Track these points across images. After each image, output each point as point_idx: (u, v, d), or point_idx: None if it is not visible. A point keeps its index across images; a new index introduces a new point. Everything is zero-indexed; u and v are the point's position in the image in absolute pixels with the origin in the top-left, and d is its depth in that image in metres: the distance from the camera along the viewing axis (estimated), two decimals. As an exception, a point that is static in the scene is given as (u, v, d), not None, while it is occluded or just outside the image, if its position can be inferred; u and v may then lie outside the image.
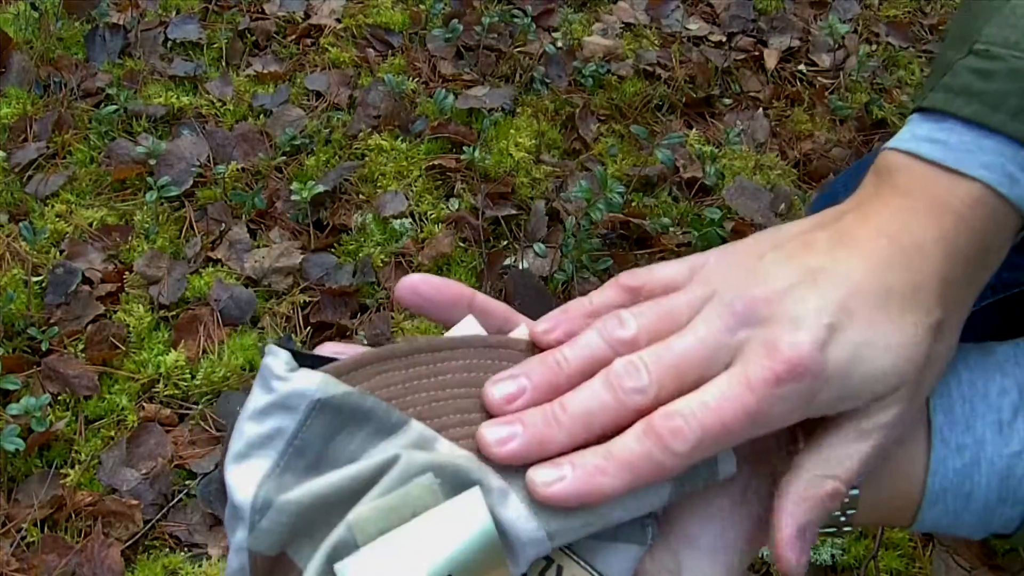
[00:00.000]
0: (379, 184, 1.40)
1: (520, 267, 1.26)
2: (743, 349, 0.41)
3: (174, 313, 1.22)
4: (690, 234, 1.30)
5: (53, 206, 1.35)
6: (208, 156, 1.42)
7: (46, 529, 1.02)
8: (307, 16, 1.70)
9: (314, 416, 0.40)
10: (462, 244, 1.32)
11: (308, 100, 1.54)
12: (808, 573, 1.01)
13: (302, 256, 1.29)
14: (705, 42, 1.70)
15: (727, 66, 1.63)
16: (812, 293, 0.41)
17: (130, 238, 1.31)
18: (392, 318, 1.24)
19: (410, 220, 1.35)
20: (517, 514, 0.40)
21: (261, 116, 1.51)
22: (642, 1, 1.78)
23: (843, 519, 0.47)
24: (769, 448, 0.47)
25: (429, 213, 1.36)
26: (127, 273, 1.26)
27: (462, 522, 0.40)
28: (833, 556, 1.00)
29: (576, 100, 1.54)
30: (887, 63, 1.68)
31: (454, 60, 1.62)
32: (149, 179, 1.35)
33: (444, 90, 1.50)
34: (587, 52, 1.65)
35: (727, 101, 1.58)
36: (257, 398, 0.40)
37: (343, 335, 1.21)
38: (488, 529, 0.40)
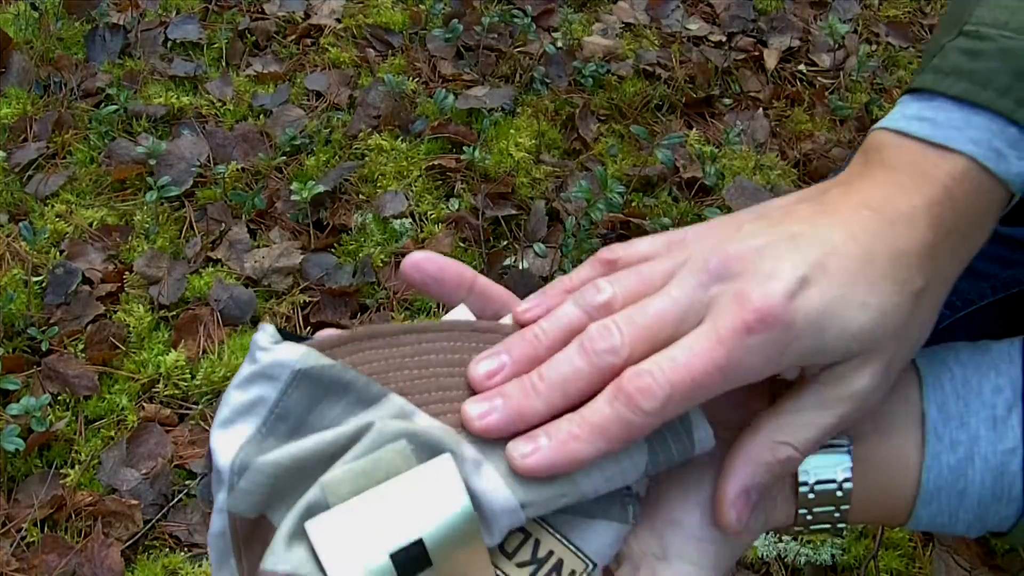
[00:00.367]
0: (379, 184, 1.40)
1: (520, 267, 1.26)
2: (714, 304, 0.41)
3: (174, 313, 1.23)
4: (690, 234, 1.30)
5: (53, 206, 1.35)
6: (208, 156, 1.42)
7: (46, 529, 1.02)
8: (307, 16, 1.70)
9: (295, 385, 0.41)
10: (462, 244, 1.32)
11: (308, 100, 1.54)
12: (808, 573, 1.01)
13: (302, 256, 1.29)
14: (705, 42, 1.70)
15: (727, 66, 1.63)
16: (788, 251, 0.41)
17: (130, 238, 1.31)
18: (392, 318, 1.24)
19: (410, 220, 1.35)
20: (490, 484, 0.40)
21: (261, 116, 1.51)
22: (642, 1, 1.78)
23: (837, 515, 0.47)
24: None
25: (429, 213, 1.36)
26: (127, 273, 1.26)
27: (433, 487, 0.40)
28: (833, 556, 1.00)
29: (576, 100, 1.54)
30: (887, 63, 1.68)
31: (454, 60, 1.62)
32: (149, 179, 1.35)
33: (444, 90, 1.50)
34: (587, 52, 1.65)
35: (727, 101, 1.58)
36: (243, 368, 0.41)
37: (343, 335, 1.21)
38: (459, 495, 0.40)
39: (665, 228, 1.32)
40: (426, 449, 0.40)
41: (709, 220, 0.46)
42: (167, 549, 1.03)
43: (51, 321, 1.20)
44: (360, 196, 1.38)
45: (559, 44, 1.65)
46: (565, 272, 1.22)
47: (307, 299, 1.26)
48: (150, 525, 1.04)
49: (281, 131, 1.45)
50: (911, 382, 0.48)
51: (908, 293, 0.42)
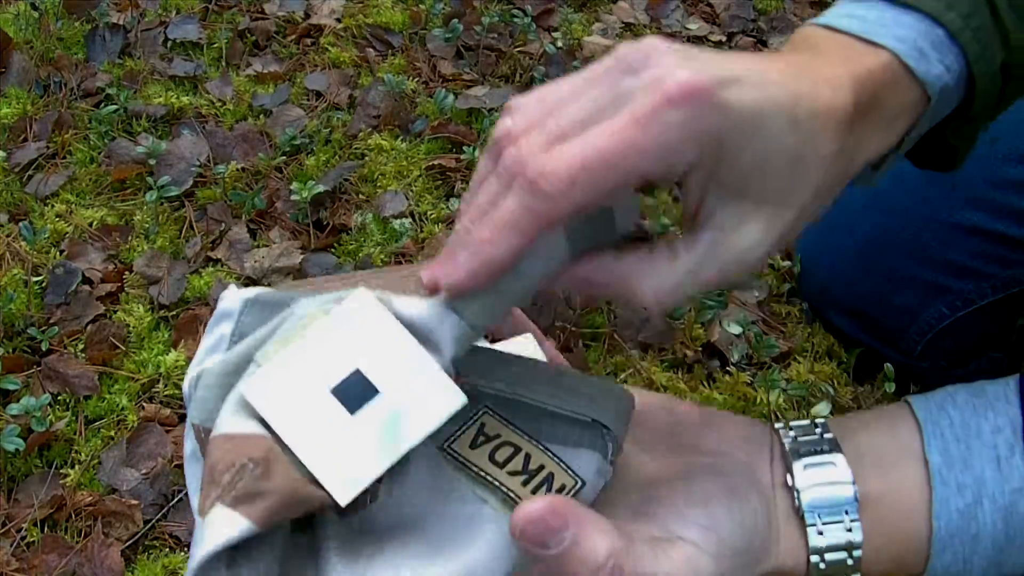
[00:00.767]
0: (379, 184, 1.40)
1: (520, 267, 1.26)
2: (632, 94, 0.38)
3: (174, 313, 1.22)
4: (690, 234, 1.30)
5: (53, 206, 1.35)
6: (208, 156, 1.42)
7: (46, 529, 1.02)
8: (307, 16, 1.70)
9: (246, 311, 0.42)
10: (462, 244, 1.32)
11: (308, 100, 1.54)
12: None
13: (302, 256, 1.29)
14: (705, 42, 1.70)
15: (727, 66, 1.63)
16: (717, 58, 0.39)
17: (130, 238, 1.31)
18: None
19: (410, 220, 1.35)
20: (412, 302, 0.40)
21: (261, 116, 1.51)
22: (642, 1, 1.78)
23: (851, 562, 0.46)
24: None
25: (429, 213, 1.36)
26: (127, 273, 1.26)
27: (356, 318, 0.40)
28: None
29: (576, 100, 1.54)
30: (887, 63, 1.68)
31: (454, 60, 1.62)
32: (149, 179, 1.35)
33: (444, 90, 1.50)
34: (587, 52, 1.65)
35: (727, 101, 1.58)
36: (209, 321, 0.43)
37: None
38: (384, 316, 0.40)
39: (665, 228, 1.32)
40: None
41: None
42: (167, 549, 1.03)
43: (51, 321, 1.20)
44: (360, 196, 1.38)
45: (559, 44, 1.65)
46: (565, 272, 1.22)
47: (307, 299, 1.25)
48: (150, 525, 1.04)
49: (281, 131, 1.45)
50: (911, 432, 0.48)
51: (826, 149, 0.40)
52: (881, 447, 0.48)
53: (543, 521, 0.37)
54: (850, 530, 0.46)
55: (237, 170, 1.40)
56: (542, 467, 0.43)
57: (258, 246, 1.31)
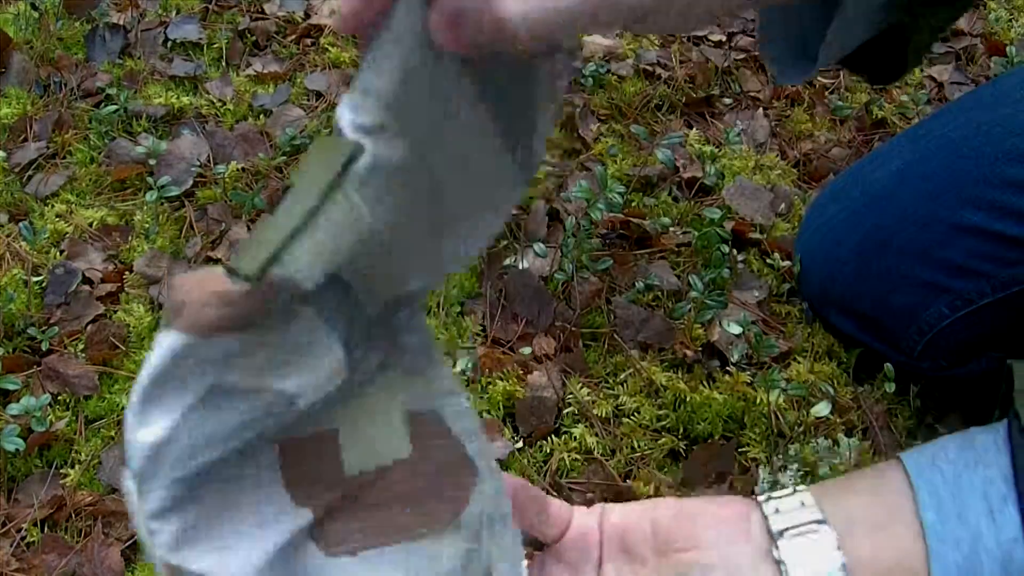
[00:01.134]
0: (379, 184, 1.40)
1: (520, 267, 1.26)
2: None
3: (174, 313, 1.22)
4: (690, 234, 1.30)
5: (53, 206, 1.35)
6: (208, 156, 1.42)
7: (46, 529, 1.02)
8: (307, 16, 1.70)
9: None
10: (462, 244, 1.32)
11: (308, 100, 1.54)
12: None
13: (302, 256, 1.29)
14: (705, 42, 1.70)
15: (727, 66, 1.63)
16: None
17: (130, 238, 1.31)
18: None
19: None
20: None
21: (261, 116, 1.51)
22: (642, 1, 1.78)
23: None
24: None
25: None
26: (127, 273, 1.26)
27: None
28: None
29: (576, 100, 1.54)
30: (887, 63, 1.68)
31: (454, 60, 1.62)
32: (149, 179, 1.35)
33: (444, 90, 1.50)
34: (587, 52, 1.65)
35: (727, 101, 1.58)
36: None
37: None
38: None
39: (665, 228, 1.32)
40: None
41: None
42: (167, 549, 1.03)
43: (51, 321, 1.20)
44: (360, 196, 1.38)
45: (559, 44, 1.65)
46: (565, 272, 1.22)
47: (307, 299, 1.26)
48: None
49: (281, 131, 1.45)
50: (903, 493, 0.48)
51: None
52: (871, 509, 0.49)
53: None
54: None
55: (237, 170, 1.40)
56: None
57: (258, 246, 1.31)
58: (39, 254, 1.27)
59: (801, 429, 1.05)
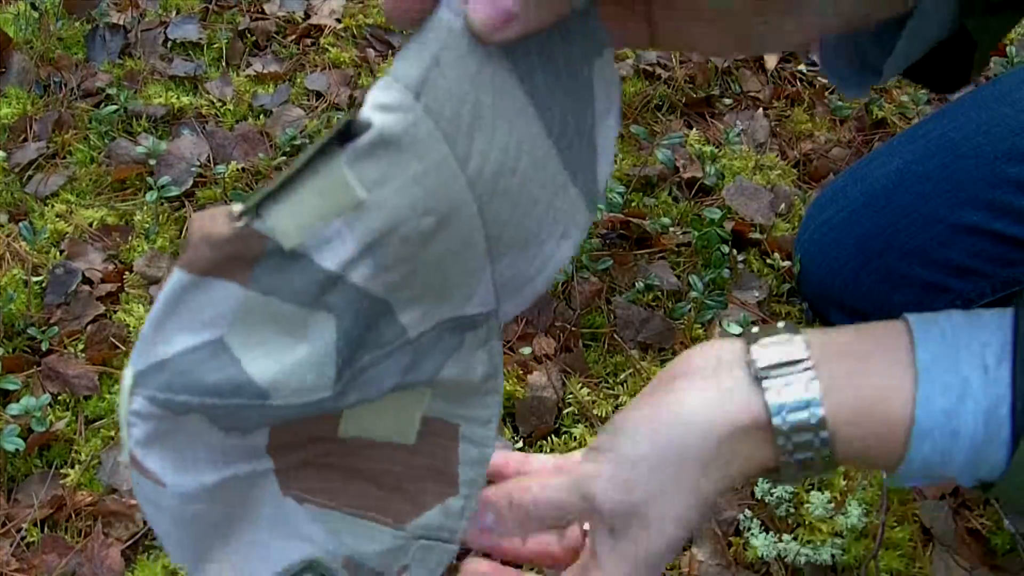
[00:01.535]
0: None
1: (520, 267, 1.26)
2: None
3: (174, 313, 1.22)
4: (690, 234, 1.30)
5: (53, 206, 1.35)
6: (208, 156, 1.42)
7: (46, 529, 1.02)
8: (307, 16, 1.70)
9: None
10: (462, 244, 1.32)
11: (308, 100, 1.54)
12: (808, 572, 1.01)
13: (302, 256, 1.29)
14: (705, 42, 1.70)
15: (727, 66, 1.63)
16: None
17: (130, 238, 1.31)
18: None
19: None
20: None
21: (261, 116, 1.51)
22: (642, 1, 1.78)
23: (819, 444, 0.47)
24: None
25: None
26: (127, 273, 1.26)
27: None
28: (833, 556, 1.00)
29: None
30: (887, 63, 1.68)
31: (454, 60, 1.62)
32: (149, 179, 1.35)
33: (444, 90, 1.50)
34: (587, 52, 1.65)
35: (727, 101, 1.58)
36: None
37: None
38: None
39: (665, 228, 1.32)
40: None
41: None
42: (167, 549, 1.03)
43: (51, 321, 1.20)
44: (360, 196, 1.38)
45: (559, 44, 1.65)
46: (565, 272, 1.22)
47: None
48: (150, 525, 1.04)
49: (281, 131, 1.45)
50: (900, 332, 0.48)
51: None
52: (870, 339, 0.49)
53: None
54: (809, 391, 0.46)
55: (237, 170, 1.40)
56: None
57: (258, 246, 1.31)
58: (39, 254, 1.27)
59: (801, 429, 1.04)
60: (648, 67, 1.61)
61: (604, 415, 1.08)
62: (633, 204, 1.37)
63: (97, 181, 1.39)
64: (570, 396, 1.10)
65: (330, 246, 0.41)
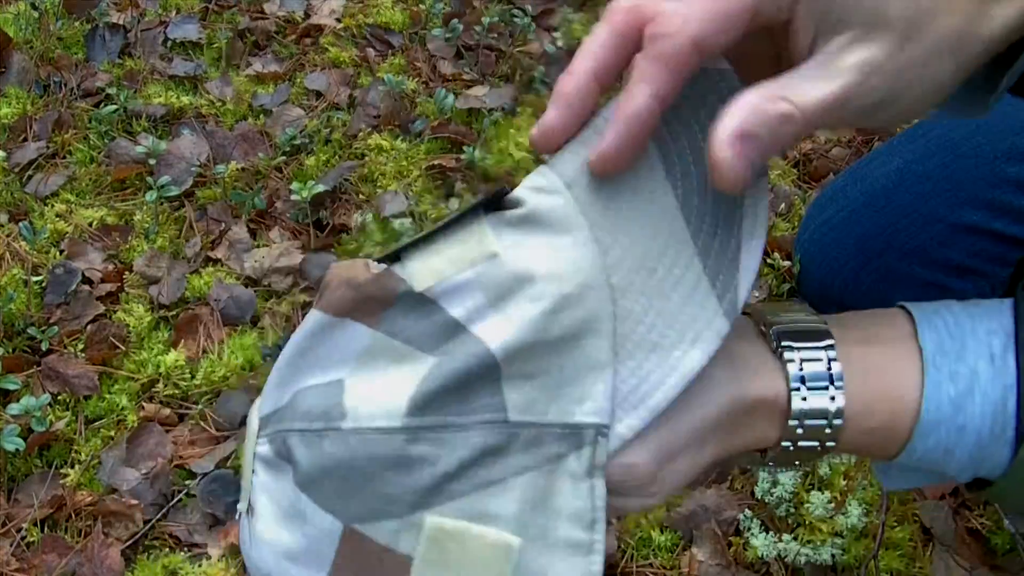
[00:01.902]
0: (379, 184, 1.40)
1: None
2: None
3: (174, 313, 1.23)
4: (690, 234, 1.30)
5: (53, 206, 1.35)
6: (208, 156, 1.42)
7: (46, 529, 1.02)
8: (307, 16, 1.70)
9: None
10: (462, 244, 1.32)
11: (308, 100, 1.54)
12: (808, 573, 1.01)
13: (302, 256, 1.29)
14: (705, 42, 1.70)
15: (727, 66, 1.63)
16: None
17: (130, 238, 1.31)
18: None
19: (410, 220, 1.35)
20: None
21: (261, 116, 1.51)
22: (642, 1, 1.78)
23: (828, 430, 0.45)
24: None
25: (429, 213, 1.36)
26: (127, 273, 1.26)
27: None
28: (833, 556, 1.00)
29: (576, 100, 1.54)
30: (887, 63, 1.68)
31: (454, 60, 1.62)
32: (149, 179, 1.35)
33: (444, 90, 1.50)
34: (587, 52, 1.65)
35: (727, 101, 1.58)
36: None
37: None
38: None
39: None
40: None
41: None
42: (167, 549, 1.03)
43: (51, 321, 1.20)
44: (360, 196, 1.38)
45: (559, 44, 1.65)
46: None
47: (307, 299, 1.26)
48: (150, 525, 1.04)
49: (281, 131, 1.45)
50: (904, 321, 0.47)
51: None
52: (872, 327, 0.48)
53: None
54: (832, 381, 0.45)
55: (237, 170, 1.40)
56: None
57: (258, 246, 1.31)
58: (39, 254, 1.27)
59: (801, 429, 1.04)
60: (648, 67, 1.61)
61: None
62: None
63: (97, 181, 1.39)
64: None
65: (459, 294, 0.40)
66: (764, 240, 0.42)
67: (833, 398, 0.45)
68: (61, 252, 1.28)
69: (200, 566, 1.01)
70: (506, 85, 1.56)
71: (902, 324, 0.47)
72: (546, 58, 1.61)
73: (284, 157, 1.43)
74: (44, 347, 1.16)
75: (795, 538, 1.02)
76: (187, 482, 1.08)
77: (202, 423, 1.13)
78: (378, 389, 0.41)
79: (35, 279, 1.24)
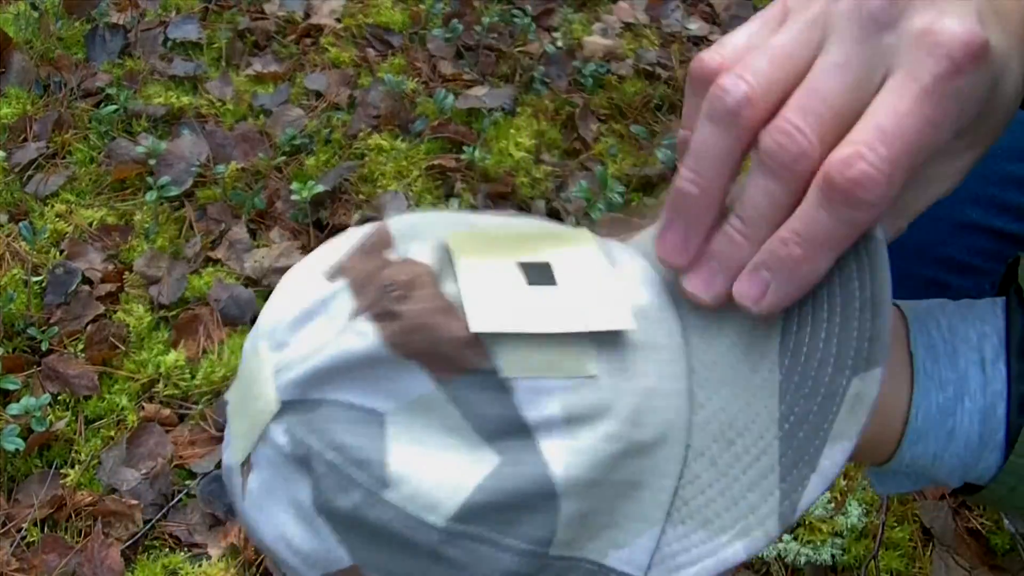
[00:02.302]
0: (379, 184, 1.40)
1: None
2: (896, 54, 0.34)
3: (174, 313, 1.23)
4: (690, 234, 1.30)
5: (53, 206, 1.35)
6: (208, 156, 1.42)
7: (46, 529, 1.02)
8: (307, 16, 1.70)
9: None
10: (462, 244, 1.32)
11: (308, 100, 1.54)
12: (808, 573, 1.01)
13: (302, 256, 1.29)
14: (705, 42, 1.70)
15: (727, 66, 1.63)
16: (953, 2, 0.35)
17: (130, 238, 1.31)
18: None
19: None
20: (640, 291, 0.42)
21: (261, 116, 1.51)
22: (642, 1, 1.78)
23: None
24: None
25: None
26: (127, 273, 1.26)
27: (567, 235, 0.42)
28: (833, 556, 1.00)
29: (576, 100, 1.54)
30: (887, 63, 1.68)
31: (454, 60, 1.62)
32: (149, 179, 1.35)
33: (444, 90, 1.50)
34: (587, 52, 1.65)
35: (727, 101, 1.58)
36: None
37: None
38: (592, 248, 0.42)
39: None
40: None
41: None
42: (167, 549, 1.03)
43: (51, 321, 1.20)
44: (360, 196, 1.38)
45: (559, 44, 1.65)
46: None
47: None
48: (150, 525, 1.04)
49: (281, 131, 1.45)
50: (897, 323, 0.46)
51: None
52: None
53: None
54: None
55: (237, 170, 1.40)
56: None
57: (258, 246, 1.31)
58: (39, 254, 1.27)
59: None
60: (648, 67, 1.61)
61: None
62: (633, 204, 1.37)
63: (97, 181, 1.39)
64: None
65: (538, 398, 0.38)
66: (853, 444, 0.39)
67: None
68: (61, 252, 1.28)
69: (200, 566, 1.01)
70: (506, 85, 1.56)
71: (895, 328, 0.47)
72: (546, 58, 1.61)
73: (284, 157, 1.43)
74: (44, 347, 1.16)
75: (795, 538, 1.01)
76: (187, 482, 1.08)
77: (202, 423, 1.13)
78: (426, 468, 0.38)
79: (35, 279, 1.24)
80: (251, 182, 1.40)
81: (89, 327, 1.19)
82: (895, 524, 1.04)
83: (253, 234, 1.33)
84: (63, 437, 1.09)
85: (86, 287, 1.24)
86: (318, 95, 1.55)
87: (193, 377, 1.16)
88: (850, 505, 1.03)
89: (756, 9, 1.85)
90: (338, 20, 1.69)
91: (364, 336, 0.38)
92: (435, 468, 0.38)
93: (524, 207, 1.36)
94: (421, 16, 1.69)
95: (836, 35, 0.35)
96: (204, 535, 1.04)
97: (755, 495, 0.40)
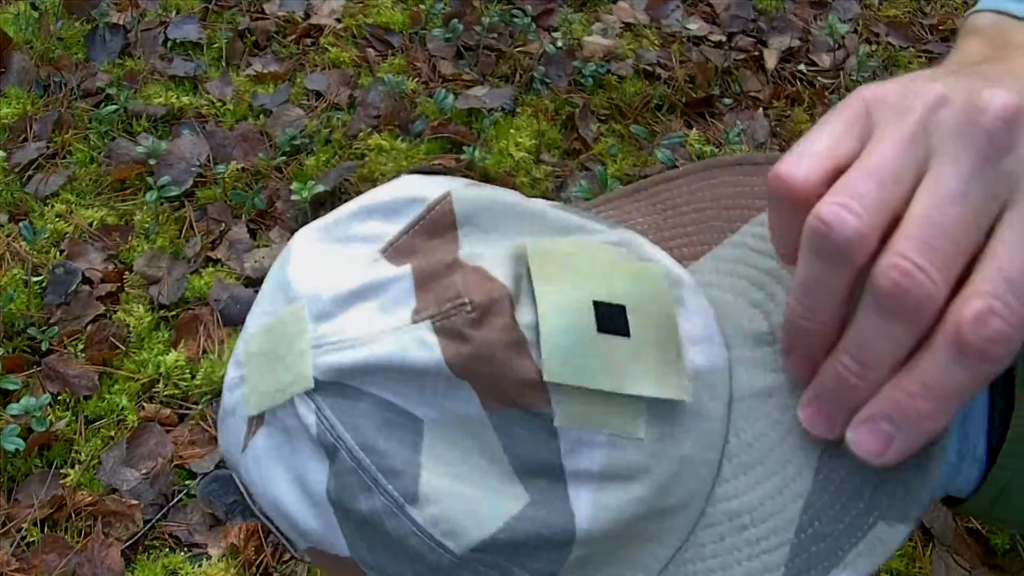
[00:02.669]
0: (379, 184, 1.40)
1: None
2: (1018, 185, 0.32)
3: (174, 313, 1.23)
4: (690, 234, 1.30)
5: (53, 206, 1.35)
6: (208, 156, 1.42)
7: (46, 529, 1.02)
8: (307, 16, 1.70)
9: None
10: (462, 244, 1.32)
11: (308, 100, 1.54)
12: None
13: (302, 256, 1.29)
14: (705, 42, 1.70)
15: (727, 66, 1.63)
16: None
17: (130, 238, 1.31)
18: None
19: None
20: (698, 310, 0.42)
21: (261, 116, 1.51)
22: (642, 1, 1.78)
23: None
24: None
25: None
26: (127, 273, 1.26)
27: (645, 274, 0.41)
28: (833, 556, 1.00)
29: (576, 100, 1.54)
30: (887, 63, 1.68)
31: (454, 60, 1.62)
32: (149, 179, 1.35)
33: (444, 90, 1.50)
34: (587, 52, 1.65)
35: (727, 101, 1.58)
36: None
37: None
38: (662, 285, 0.41)
39: (665, 228, 1.32)
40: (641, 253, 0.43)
41: (877, 84, 0.35)
42: (167, 549, 1.03)
43: (51, 321, 1.20)
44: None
45: (559, 44, 1.65)
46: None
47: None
48: (150, 525, 1.04)
49: (281, 131, 1.45)
50: None
51: None
52: None
53: None
54: None
55: (237, 170, 1.40)
56: None
57: (258, 246, 1.32)
58: (39, 254, 1.27)
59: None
60: (648, 67, 1.61)
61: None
62: (633, 204, 1.36)
63: (97, 181, 1.39)
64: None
65: (580, 450, 0.38)
66: None
67: None
68: (61, 252, 1.28)
69: (200, 566, 1.01)
70: (506, 85, 1.57)
71: None
72: (546, 58, 1.61)
73: (284, 157, 1.43)
74: (44, 347, 1.16)
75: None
76: (187, 482, 1.08)
77: (202, 423, 1.13)
78: (457, 494, 0.38)
79: (35, 279, 1.24)
80: (251, 182, 1.40)
81: (89, 327, 1.19)
82: (895, 524, 1.04)
83: (253, 234, 1.33)
84: (63, 437, 1.09)
85: (86, 287, 1.24)
86: (318, 95, 1.55)
87: (193, 377, 1.16)
88: (850, 505, 1.03)
89: (756, 9, 1.85)
90: (338, 20, 1.69)
91: (427, 348, 0.38)
92: (465, 497, 0.38)
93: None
94: (421, 16, 1.69)
95: (948, 156, 0.32)
96: (204, 535, 1.04)
97: None
